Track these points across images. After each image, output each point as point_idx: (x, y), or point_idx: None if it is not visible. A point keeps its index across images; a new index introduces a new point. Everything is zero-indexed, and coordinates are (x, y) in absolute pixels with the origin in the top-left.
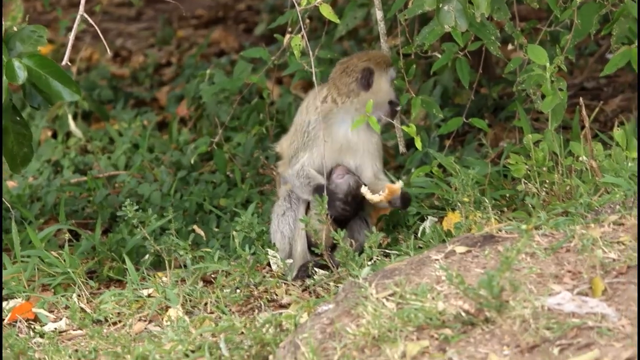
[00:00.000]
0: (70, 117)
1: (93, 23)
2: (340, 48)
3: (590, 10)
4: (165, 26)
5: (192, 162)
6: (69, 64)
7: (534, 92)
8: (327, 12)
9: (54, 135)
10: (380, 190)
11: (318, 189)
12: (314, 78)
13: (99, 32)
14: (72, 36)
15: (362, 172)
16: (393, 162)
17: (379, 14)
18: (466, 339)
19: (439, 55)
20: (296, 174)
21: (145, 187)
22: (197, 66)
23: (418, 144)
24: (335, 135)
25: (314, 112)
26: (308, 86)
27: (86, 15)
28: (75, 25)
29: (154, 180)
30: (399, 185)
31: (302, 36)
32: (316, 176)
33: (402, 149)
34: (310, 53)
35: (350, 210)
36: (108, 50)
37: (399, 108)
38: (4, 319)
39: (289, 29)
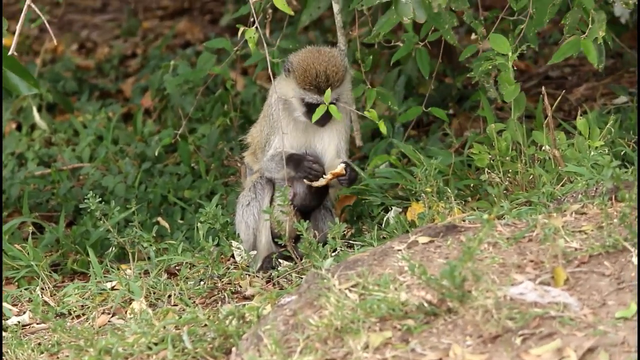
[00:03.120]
0: (34, 109)
1: (39, 12)
2: (305, 38)
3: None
4: (130, 17)
5: (157, 153)
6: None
7: (486, 81)
8: (280, 4)
9: (19, 128)
10: (324, 175)
11: (290, 158)
12: (269, 70)
13: (45, 23)
14: (19, 25)
15: (326, 152)
16: (358, 153)
17: (335, 7)
18: (429, 330)
19: (402, 45)
20: (271, 157)
21: (109, 179)
22: (162, 57)
23: (382, 129)
24: (295, 120)
25: (273, 94)
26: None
27: (32, 5)
28: (22, 15)
29: (119, 173)
30: (340, 167)
31: (256, 28)
32: (288, 151)
33: (358, 142)
34: (265, 44)
35: (315, 199)
36: (54, 40)
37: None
38: None
39: (251, 19)
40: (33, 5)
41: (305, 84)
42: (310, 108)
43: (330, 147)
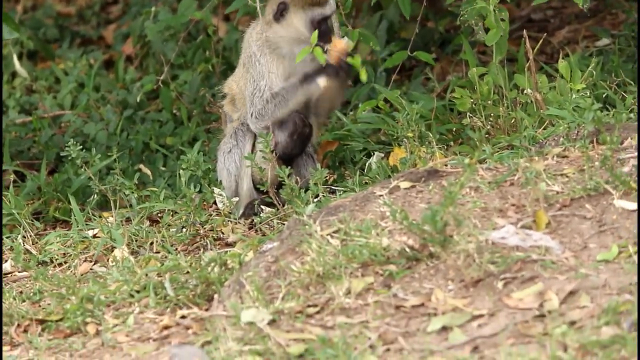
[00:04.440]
0: (15, 56)
1: None
2: None
3: None
4: None
5: (138, 100)
6: None
7: (476, 23)
8: None
9: None
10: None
11: (305, 76)
12: (258, 10)
13: None
14: None
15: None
16: None
17: None
18: (411, 275)
19: None
20: (266, 101)
21: (91, 126)
22: (144, 4)
23: (363, 76)
24: (283, 60)
25: (255, 43)
26: None
27: None
28: None
29: (100, 120)
30: (344, 41)
31: None
32: (291, 81)
33: None
34: None
35: (297, 147)
36: None
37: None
38: None
39: None
40: None
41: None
42: (320, 31)
43: None
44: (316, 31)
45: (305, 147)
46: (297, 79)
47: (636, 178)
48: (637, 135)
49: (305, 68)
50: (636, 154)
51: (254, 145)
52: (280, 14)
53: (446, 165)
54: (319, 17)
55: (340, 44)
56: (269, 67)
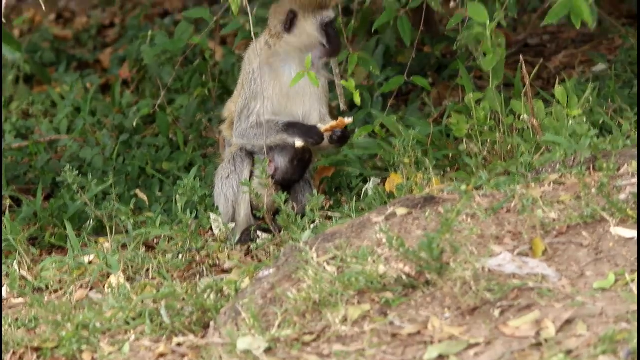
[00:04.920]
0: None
1: None
2: None
3: None
4: None
5: (135, 125)
6: (3, 21)
7: (475, 48)
8: None
9: None
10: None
11: (289, 125)
12: (252, 34)
13: None
14: None
15: (309, 118)
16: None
17: None
18: (407, 302)
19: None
20: (251, 125)
21: (87, 151)
22: (141, 27)
23: (357, 99)
24: (281, 80)
25: (255, 60)
26: None
27: None
28: None
29: (97, 144)
30: (348, 120)
31: None
32: (276, 119)
33: (342, 106)
34: (249, 11)
35: (297, 173)
36: (43, 7)
37: (338, 47)
38: None
39: None
40: None
41: (318, 4)
42: (328, 33)
43: (313, 113)
44: (309, 57)
45: (305, 172)
46: (282, 123)
47: (633, 205)
48: (637, 160)
49: (296, 92)
50: (633, 180)
51: (251, 171)
52: (290, 22)
53: (443, 192)
54: (327, 20)
55: (343, 123)
56: (265, 87)
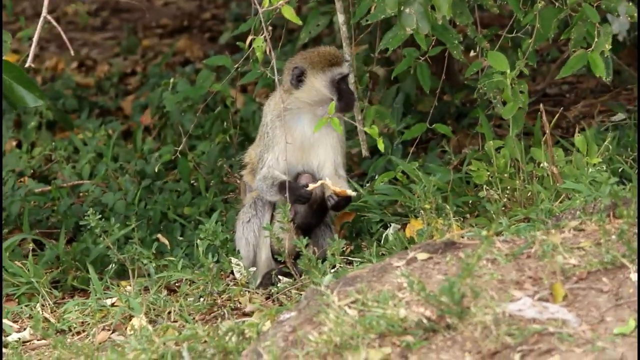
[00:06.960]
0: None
1: (56, 24)
2: None
3: (549, 14)
4: (130, 35)
5: (156, 170)
6: (32, 66)
7: (494, 96)
8: (289, 13)
9: (19, 145)
10: (338, 186)
11: (282, 186)
12: (276, 82)
13: (62, 34)
14: (35, 36)
15: (323, 167)
16: (357, 169)
17: (340, 18)
18: (428, 346)
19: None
20: (263, 177)
21: (109, 196)
22: (162, 75)
23: (380, 146)
24: (294, 133)
25: (270, 113)
26: None
27: (50, 17)
28: (39, 26)
29: (118, 189)
30: (350, 193)
31: (265, 38)
32: (279, 175)
33: (365, 152)
34: (274, 58)
35: (316, 217)
36: (71, 51)
37: (351, 102)
38: None
39: (252, 36)
40: (49, 17)
41: (327, 61)
42: (340, 89)
43: (327, 163)
44: (333, 103)
45: (324, 217)
46: (277, 183)
47: None
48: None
49: (310, 143)
50: None
51: (272, 215)
52: (297, 79)
53: (463, 237)
54: (339, 77)
55: (344, 193)
56: (277, 141)
